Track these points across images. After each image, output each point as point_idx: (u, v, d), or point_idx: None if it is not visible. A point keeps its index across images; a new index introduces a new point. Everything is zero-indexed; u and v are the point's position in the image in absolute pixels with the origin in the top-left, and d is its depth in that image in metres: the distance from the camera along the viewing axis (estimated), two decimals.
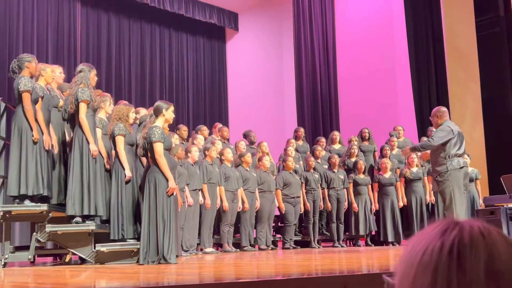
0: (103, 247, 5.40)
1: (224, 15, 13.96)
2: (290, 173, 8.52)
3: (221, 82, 14.21)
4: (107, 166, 5.77)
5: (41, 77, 5.70)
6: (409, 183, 8.88)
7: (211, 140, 8.37)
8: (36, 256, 5.86)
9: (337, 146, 9.84)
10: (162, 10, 12.56)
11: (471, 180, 8.07)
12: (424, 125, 10.61)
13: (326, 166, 9.16)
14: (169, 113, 5.42)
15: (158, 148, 5.21)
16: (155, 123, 5.35)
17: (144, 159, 5.78)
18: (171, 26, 13.23)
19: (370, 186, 9.01)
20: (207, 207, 7.39)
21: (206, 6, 13.50)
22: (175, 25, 13.28)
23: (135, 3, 11.99)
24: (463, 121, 9.71)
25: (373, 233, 9.12)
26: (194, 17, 13.21)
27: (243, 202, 7.96)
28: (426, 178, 8.91)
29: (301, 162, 9.23)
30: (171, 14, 12.83)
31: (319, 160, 9.17)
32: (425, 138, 9.19)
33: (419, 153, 8.75)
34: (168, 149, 5.39)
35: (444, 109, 6.61)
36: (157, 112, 5.40)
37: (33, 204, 5.30)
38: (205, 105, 13.77)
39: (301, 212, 8.74)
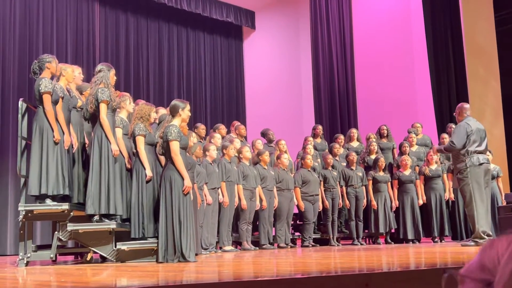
0: (123, 246, 5.44)
1: (241, 14, 13.96)
2: (309, 171, 8.52)
3: (239, 80, 14.22)
4: (128, 166, 5.82)
5: (62, 77, 5.76)
6: (428, 180, 8.81)
7: (230, 139, 8.39)
8: (57, 254, 5.93)
9: (355, 144, 9.80)
10: (180, 10, 12.60)
11: (492, 178, 7.97)
12: (443, 121, 10.53)
13: (345, 164, 9.13)
14: (185, 112, 5.45)
15: (174, 146, 5.24)
16: (171, 122, 5.38)
17: (162, 158, 5.81)
18: (188, 25, 13.27)
19: (389, 183, 8.96)
20: (225, 205, 7.42)
21: (223, 5, 13.52)
22: (192, 24, 13.31)
23: (153, 2, 12.05)
24: (483, 118, 9.61)
25: (393, 230, 9.07)
26: (211, 16, 13.24)
27: (261, 200, 7.97)
28: (445, 175, 8.84)
29: (319, 160, 9.21)
30: (188, 13, 12.87)
31: (337, 158, 9.15)
32: (444, 135, 9.13)
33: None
34: (184, 148, 5.41)
35: (465, 106, 6.57)
36: (174, 112, 5.42)
37: (55, 203, 5.36)
38: (222, 103, 13.80)
39: (319, 210, 8.73)
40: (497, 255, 0.80)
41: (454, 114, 6.63)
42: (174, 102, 5.52)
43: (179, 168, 5.23)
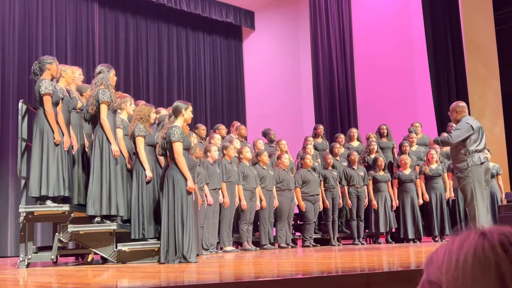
0: (124, 247, 5.44)
1: (240, 14, 13.96)
2: (308, 170, 8.51)
3: (238, 80, 14.22)
4: (129, 166, 5.82)
5: (62, 78, 5.76)
6: (428, 179, 8.81)
7: (229, 139, 8.39)
8: (58, 256, 5.93)
9: (355, 143, 9.80)
10: (179, 10, 12.60)
11: (492, 176, 7.98)
12: (443, 120, 10.52)
13: (345, 163, 9.12)
14: (188, 113, 5.46)
15: (178, 147, 5.24)
16: (174, 123, 5.38)
17: (161, 159, 5.81)
18: (188, 26, 13.27)
19: (389, 183, 8.96)
20: (225, 206, 7.42)
21: (223, 5, 13.52)
22: (191, 24, 13.31)
23: (152, 3, 12.05)
24: (483, 117, 9.62)
25: (393, 230, 9.07)
26: (211, 16, 13.23)
27: (260, 201, 7.97)
28: (446, 174, 8.83)
29: (319, 160, 9.21)
30: (188, 13, 12.87)
31: (337, 158, 9.14)
32: (445, 134, 9.12)
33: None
34: (187, 149, 5.41)
35: (462, 104, 6.54)
36: (176, 113, 5.43)
37: (55, 204, 5.36)
38: (222, 103, 13.79)
39: (320, 210, 8.73)
40: (438, 268, 0.82)
41: (449, 113, 6.56)
42: (176, 103, 5.53)
43: (182, 169, 5.23)
